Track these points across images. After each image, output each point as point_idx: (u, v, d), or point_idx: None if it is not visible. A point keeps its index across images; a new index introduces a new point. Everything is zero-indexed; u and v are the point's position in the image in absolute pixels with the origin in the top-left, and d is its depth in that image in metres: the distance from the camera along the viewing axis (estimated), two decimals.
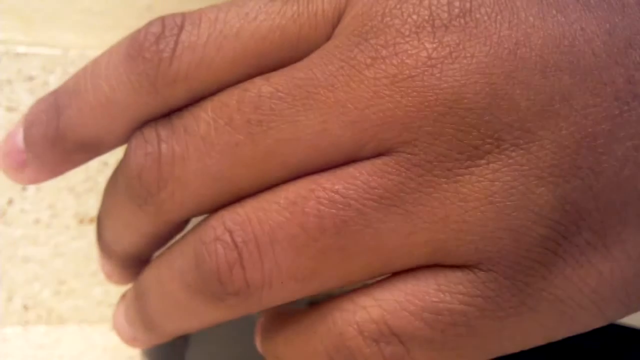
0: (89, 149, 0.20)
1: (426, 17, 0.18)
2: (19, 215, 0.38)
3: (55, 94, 0.20)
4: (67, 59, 0.38)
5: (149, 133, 0.19)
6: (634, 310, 0.18)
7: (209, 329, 0.21)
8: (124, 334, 0.22)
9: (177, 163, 0.19)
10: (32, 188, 0.38)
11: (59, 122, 0.20)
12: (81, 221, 0.39)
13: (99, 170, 0.38)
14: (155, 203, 0.19)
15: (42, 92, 0.38)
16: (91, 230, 0.39)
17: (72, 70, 0.38)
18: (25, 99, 0.37)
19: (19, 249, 0.38)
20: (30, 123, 0.20)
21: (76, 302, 0.39)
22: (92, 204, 0.39)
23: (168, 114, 0.19)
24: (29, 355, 0.35)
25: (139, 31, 0.19)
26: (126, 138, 0.20)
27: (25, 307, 0.38)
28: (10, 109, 0.37)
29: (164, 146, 0.19)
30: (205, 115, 0.19)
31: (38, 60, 0.37)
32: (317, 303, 0.19)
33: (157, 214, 0.19)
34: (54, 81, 0.38)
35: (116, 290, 0.38)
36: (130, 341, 0.22)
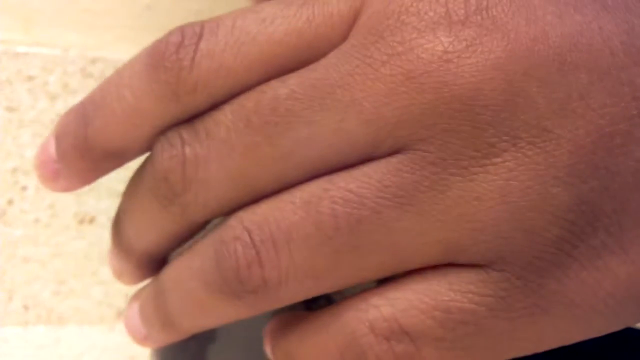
0: (115, 157, 0.21)
1: (442, 14, 0.18)
2: (19, 215, 0.38)
3: (83, 104, 0.21)
4: (67, 59, 0.38)
5: (173, 137, 0.20)
6: None
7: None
8: (137, 332, 0.22)
9: (201, 165, 0.19)
10: (32, 188, 0.38)
11: (87, 132, 0.20)
12: (81, 221, 0.39)
13: None
14: (180, 204, 0.20)
15: (42, 92, 0.37)
16: (91, 230, 0.39)
17: (72, 70, 0.37)
18: (25, 99, 0.37)
19: (19, 249, 0.38)
20: (60, 134, 0.21)
21: (76, 302, 0.39)
22: (92, 204, 0.39)
23: (190, 119, 0.20)
24: (28, 355, 0.35)
25: (159, 41, 0.20)
26: (150, 145, 0.20)
27: (25, 307, 0.38)
28: (10, 109, 0.37)
29: (187, 149, 0.19)
30: (225, 118, 0.19)
31: (38, 60, 0.37)
32: (318, 306, 0.20)
33: (181, 214, 0.20)
34: (54, 81, 0.38)
35: (116, 290, 0.38)
36: (143, 340, 0.22)
